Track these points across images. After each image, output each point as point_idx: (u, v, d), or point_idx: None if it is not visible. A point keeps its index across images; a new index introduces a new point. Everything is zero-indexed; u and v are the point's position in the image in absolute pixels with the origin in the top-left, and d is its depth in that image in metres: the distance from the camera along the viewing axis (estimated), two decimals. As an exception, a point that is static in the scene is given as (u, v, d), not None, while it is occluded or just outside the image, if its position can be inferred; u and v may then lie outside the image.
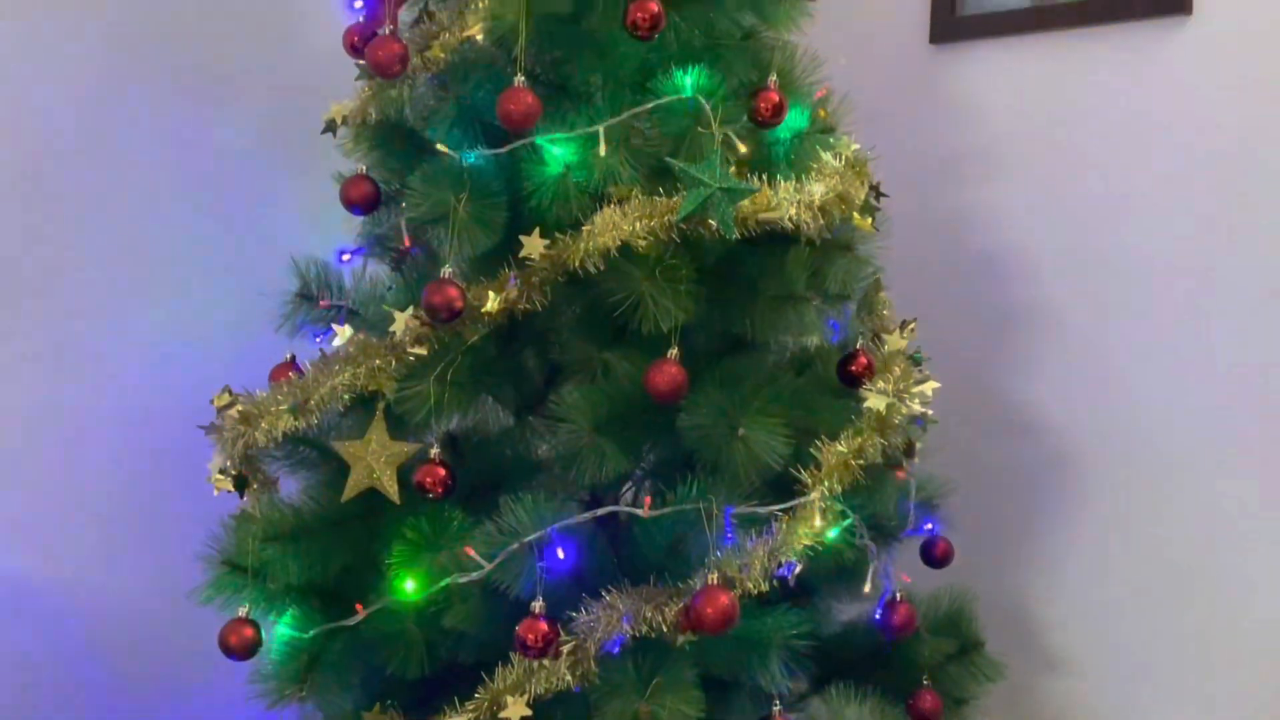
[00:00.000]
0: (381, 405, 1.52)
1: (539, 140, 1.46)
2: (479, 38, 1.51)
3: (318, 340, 1.72)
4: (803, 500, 1.41)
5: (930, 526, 1.76)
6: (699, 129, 1.46)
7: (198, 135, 2.11)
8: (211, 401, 1.59)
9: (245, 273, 1.99)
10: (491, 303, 1.44)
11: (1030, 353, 2.14)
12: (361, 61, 1.67)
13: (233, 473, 1.60)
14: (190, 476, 1.70)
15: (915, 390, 1.58)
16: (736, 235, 1.43)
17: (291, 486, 1.69)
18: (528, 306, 1.46)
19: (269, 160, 2.15)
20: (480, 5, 1.50)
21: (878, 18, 2.32)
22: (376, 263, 1.71)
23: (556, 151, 1.46)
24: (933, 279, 2.22)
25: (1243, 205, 1.92)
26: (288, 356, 1.69)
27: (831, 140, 1.58)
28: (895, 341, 1.69)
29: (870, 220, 1.56)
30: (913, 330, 1.75)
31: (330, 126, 1.71)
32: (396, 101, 1.60)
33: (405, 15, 1.71)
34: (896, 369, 1.62)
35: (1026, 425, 2.15)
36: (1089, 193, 2.08)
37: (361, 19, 1.70)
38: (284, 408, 1.50)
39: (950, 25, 2.25)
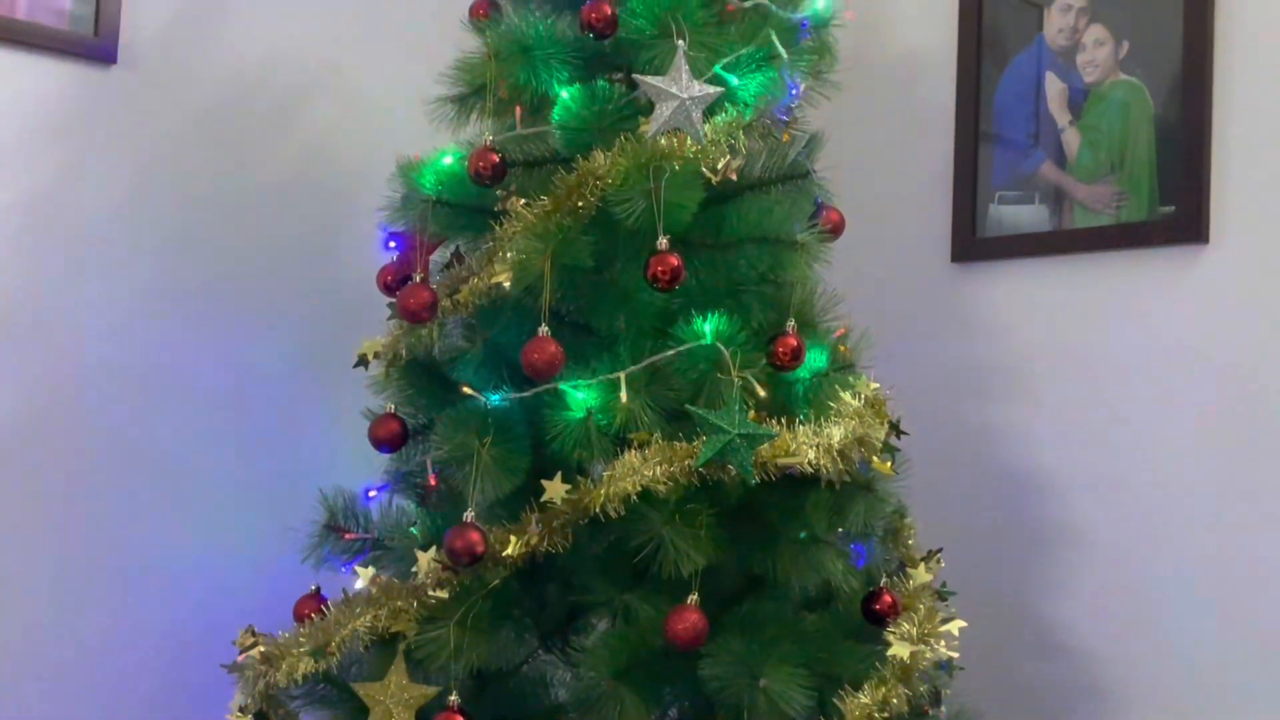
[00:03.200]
0: (402, 647, 1.53)
1: (563, 386, 1.50)
2: (506, 285, 1.57)
3: (343, 571, 1.75)
4: (825, 754, 1.40)
5: (964, 763, 1.72)
6: (718, 374, 1.50)
7: (234, 361, 2.19)
8: (234, 642, 1.61)
9: (274, 502, 2.03)
10: (513, 547, 1.46)
11: (1061, 574, 2.13)
12: (393, 300, 1.75)
13: (253, 711, 1.60)
14: (212, 709, 1.71)
15: (941, 630, 1.57)
16: (756, 480, 1.45)
17: (311, 722, 1.69)
18: (549, 548, 1.48)
19: (302, 389, 2.21)
20: (507, 255, 1.56)
21: (901, 238, 2.39)
22: (402, 497, 1.74)
23: (580, 396, 1.50)
24: (960, 497, 2.23)
25: (1261, 428, 1.93)
26: (313, 588, 1.71)
27: (851, 379, 1.62)
28: (921, 575, 1.69)
29: (889, 464, 1.58)
30: (939, 561, 1.75)
31: (362, 361, 1.78)
32: (426, 341, 1.66)
33: (437, 256, 1.80)
34: (922, 606, 1.62)
35: (1059, 647, 2.12)
36: (1112, 413, 2.09)
37: (394, 259, 1.79)
38: (305, 650, 1.51)
39: (971, 245, 2.31)
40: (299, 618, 1.69)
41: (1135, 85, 2.11)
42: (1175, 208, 2.04)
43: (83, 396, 2.03)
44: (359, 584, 1.56)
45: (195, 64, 2.16)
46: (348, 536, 1.72)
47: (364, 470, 1.80)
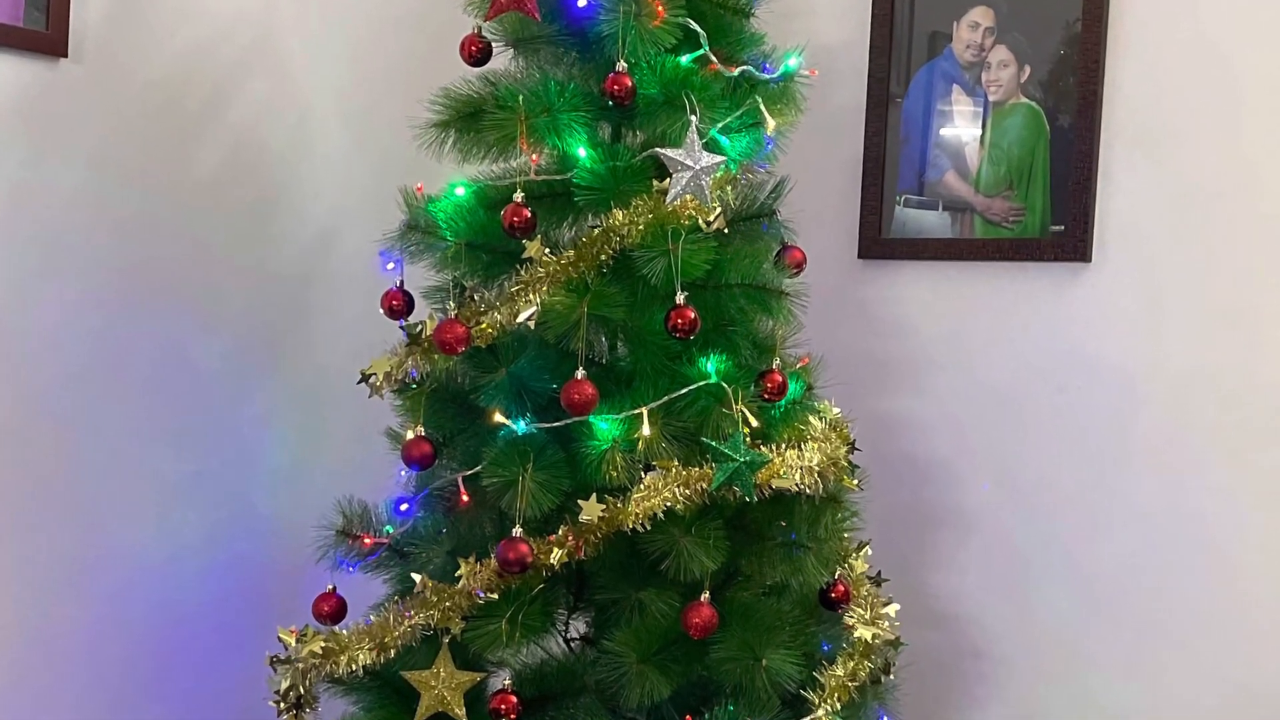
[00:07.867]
0: (446, 640, 2.24)
1: (591, 419, 2.23)
2: (532, 325, 2.27)
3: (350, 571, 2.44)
4: (811, 717, 2.24)
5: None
6: (721, 409, 2.26)
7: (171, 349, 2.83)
8: (282, 637, 2.29)
9: (206, 492, 2.76)
10: (556, 557, 2.20)
11: (949, 551, 3.05)
12: (400, 324, 2.41)
13: (294, 696, 2.30)
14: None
15: (883, 613, 2.43)
16: (754, 499, 2.24)
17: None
18: (583, 557, 2.23)
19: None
20: (533, 296, 2.25)
21: (811, 235, 3.19)
22: (426, 512, 2.42)
23: (604, 427, 2.23)
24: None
25: (1127, 428, 2.87)
26: (329, 588, 2.40)
27: (817, 405, 2.42)
28: (859, 566, 2.54)
29: (855, 481, 2.40)
30: (868, 551, 2.61)
31: (365, 378, 2.42)
32: (448, 370, 2.34)
33: (436, 282, 2.46)
34: (864, 591, 2.47)
35: (946, 615, 3.04)
36: (999, 407, 3.00)
37: (399, 283, 2.44)
38: (365, 645, 2.21)
39: (876, 244, 3.15)
40: (319, 615, 2.38)
41: (1034, 109, 2.97)
42: (1065, 228, 2.93)
43: (47, 396, 2.60)
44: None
45: (134, 53, 2.70)
46: (368, 542, 2.39)
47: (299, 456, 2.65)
